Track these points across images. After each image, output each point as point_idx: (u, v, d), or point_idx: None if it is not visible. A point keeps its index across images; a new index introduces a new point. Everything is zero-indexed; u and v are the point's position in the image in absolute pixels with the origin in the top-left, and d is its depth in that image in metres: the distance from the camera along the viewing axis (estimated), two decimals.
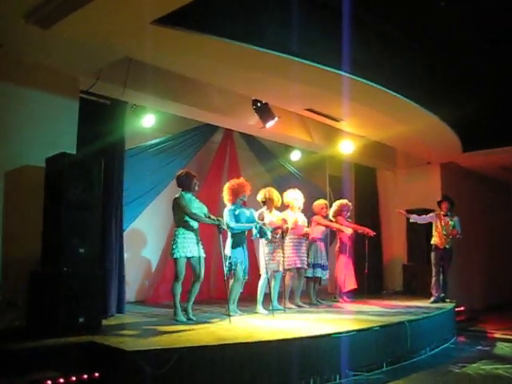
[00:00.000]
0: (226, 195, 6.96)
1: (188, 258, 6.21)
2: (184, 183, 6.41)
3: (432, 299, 8.82)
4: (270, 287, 7.31)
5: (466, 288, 11.15)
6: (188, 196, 6.34)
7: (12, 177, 5.49)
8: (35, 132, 5.72)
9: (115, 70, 6.26)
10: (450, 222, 8.91)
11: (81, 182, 5.26)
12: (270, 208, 7.42)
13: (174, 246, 6.18)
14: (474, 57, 8.09)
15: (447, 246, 8.93)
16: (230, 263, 6.70)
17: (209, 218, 6.38)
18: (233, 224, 6.74)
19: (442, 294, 8.95)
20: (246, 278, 6.89)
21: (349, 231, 8.61)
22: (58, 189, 5.22)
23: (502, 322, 9.82)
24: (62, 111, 5.98)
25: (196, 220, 6.26)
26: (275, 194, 7.45)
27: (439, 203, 9.18)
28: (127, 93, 6.54)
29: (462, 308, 9.90)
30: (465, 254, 11.28)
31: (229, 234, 6.86)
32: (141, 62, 6.20)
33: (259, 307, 7.13)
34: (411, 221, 9.53)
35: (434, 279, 8.93)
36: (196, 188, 6.50)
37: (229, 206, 6.89)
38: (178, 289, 6.20)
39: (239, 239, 6.80)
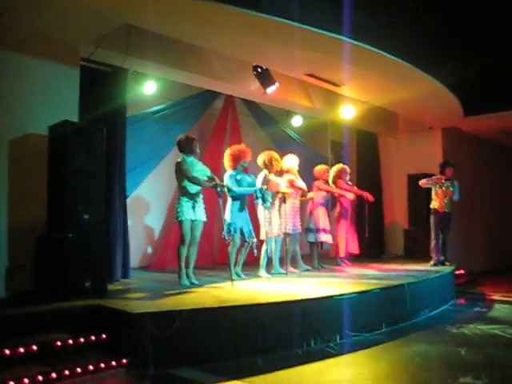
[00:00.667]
0: (226, 161, 7.00)
1: (192, 221, 6.32)
2: (185, 147, 6.47)
3: (432, 262, 8.94)
4: (271, 251, 7.42)
5: (466, 251, 11.28)
6: (190, 159, 6.41)
7: (16, 145, 5.55)
8: (37, 100, 5.75)
9: (116, 38, 6.24)
10: (450, 187, 8.93)
11: (84, 150, 5.32)
12: (271, 172, 7.42)
13: (178, 210, 6.28)
14: (476, 21, 8.03)
15: (447, 210, 8.98)
16: (228, 229, 6.80)
17: (212, 179, 6.44)
18: (235, 188, 6.81)
19: (442, 258, 9.05)
20: (254, 240, 6.98)
21: (350, 196, 8.68)
22: (61, 156, 5.28)
23: (501, 284, 10.00)
24: (63, 79, 5.98)
25: (196, 184, 6.33)
26: (276, 157, 7.47)
27: (443, 168, 9.09)
28: (128, 60, 6.53)
29: (462, 271, 10.05)
30: (466, 218, 11.39)
31: (229, 199, 6.94)
32: (141, 28, 6.18)
33: (261, 271, 7.27)
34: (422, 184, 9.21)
35: (433, 243, 9.03)
36: (197, 150, 6.56)
37: (230, 172, 6.95)
38: (184, 252, 6.33)
39: (240, 204, 6.87)
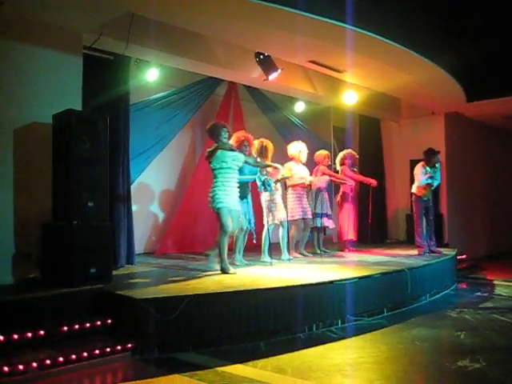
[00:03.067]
0: None
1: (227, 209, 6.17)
2: (213, 135, 6.25)
3: (418, 252, 8.48)
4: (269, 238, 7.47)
5: (468, 237, 11.35)
6: (220, 150, 6.15)
7: (20, 134, 5.59)
8: (41, 89, 5.78)
9: (118, 25, 6.26)
10: (431, 172, 8.47)
11: (88, 138, 5.34)
12: (266, 158, 7.29)
13: (215, 197, 6.09)
14: (477, 7, 8.00)
15: (430, 197, 8.59)
16: None
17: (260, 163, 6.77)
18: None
19: (431, 245, 8.59)
20: (253, 227, 7.05)
21: (351, 182, 8.72)
22: (65, 145, 5.31)
23: (502, 269, 10.06)
24: (66, 68, 6.01)
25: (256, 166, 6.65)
26: (266, 143, 7.36)
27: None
28: (130, 47, 6.55)
29: (464, 256, 10.11)
30: (469, 203, 11.44)
31: None
32: (143, 16, 6.20)
33: (264, 256, 7.35)
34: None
35: (418, 231, 8.57)
36: (227, 136, 6.28)
37: None
38: (224, 241, 6.12)
39: (242, 191, 6.91)
